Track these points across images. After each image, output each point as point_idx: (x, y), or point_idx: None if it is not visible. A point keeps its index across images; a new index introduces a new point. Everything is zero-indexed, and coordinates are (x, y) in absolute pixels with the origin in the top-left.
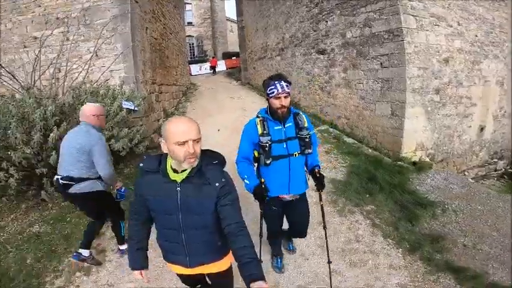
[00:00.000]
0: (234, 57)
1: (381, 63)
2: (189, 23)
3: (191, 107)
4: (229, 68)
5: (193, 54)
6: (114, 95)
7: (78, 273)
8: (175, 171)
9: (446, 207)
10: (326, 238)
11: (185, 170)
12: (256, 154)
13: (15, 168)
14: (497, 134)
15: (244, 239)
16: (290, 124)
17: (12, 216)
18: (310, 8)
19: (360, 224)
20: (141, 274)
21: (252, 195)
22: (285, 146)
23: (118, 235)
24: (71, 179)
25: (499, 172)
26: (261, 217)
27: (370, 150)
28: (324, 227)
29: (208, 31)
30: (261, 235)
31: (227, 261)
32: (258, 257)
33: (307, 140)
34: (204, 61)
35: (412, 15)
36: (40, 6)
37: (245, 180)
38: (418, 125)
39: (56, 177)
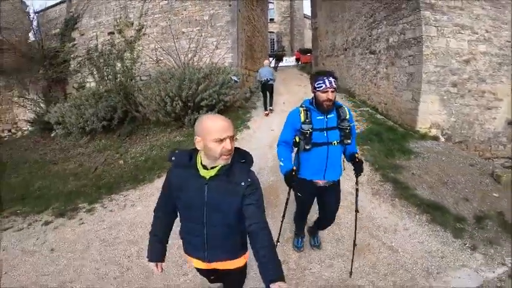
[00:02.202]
0: (308, 54)
1: (409, 62)
2: (271, 20)
3: None
4: (303, 63)
5: (273, 49)
6: (227, 71)
7: None
8: (204, 167)
9: (420, 155)
10: (356, 222)
11: (214, 167)
12: (297, 139)
13: (181, 100)
14: None
15: (264, 238)
16: (332, 115)
17: (162, 134)
18: (367, 18)
19: None
20: (157, 266)
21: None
22: (325, 134)
23: (271, 102)
24: (271, 79)
25: None
26: (286, 202)
27: (391, 123)
28: (356, 211)
29: (287, 28)
30: (283, 217)
31: (243, 260)
32: (278, 257)
33: (347, 131)
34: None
35: (434, 26)
36: (185, 10)
37: (280, 162)
38: (432, 108)
39: (263, 79)
